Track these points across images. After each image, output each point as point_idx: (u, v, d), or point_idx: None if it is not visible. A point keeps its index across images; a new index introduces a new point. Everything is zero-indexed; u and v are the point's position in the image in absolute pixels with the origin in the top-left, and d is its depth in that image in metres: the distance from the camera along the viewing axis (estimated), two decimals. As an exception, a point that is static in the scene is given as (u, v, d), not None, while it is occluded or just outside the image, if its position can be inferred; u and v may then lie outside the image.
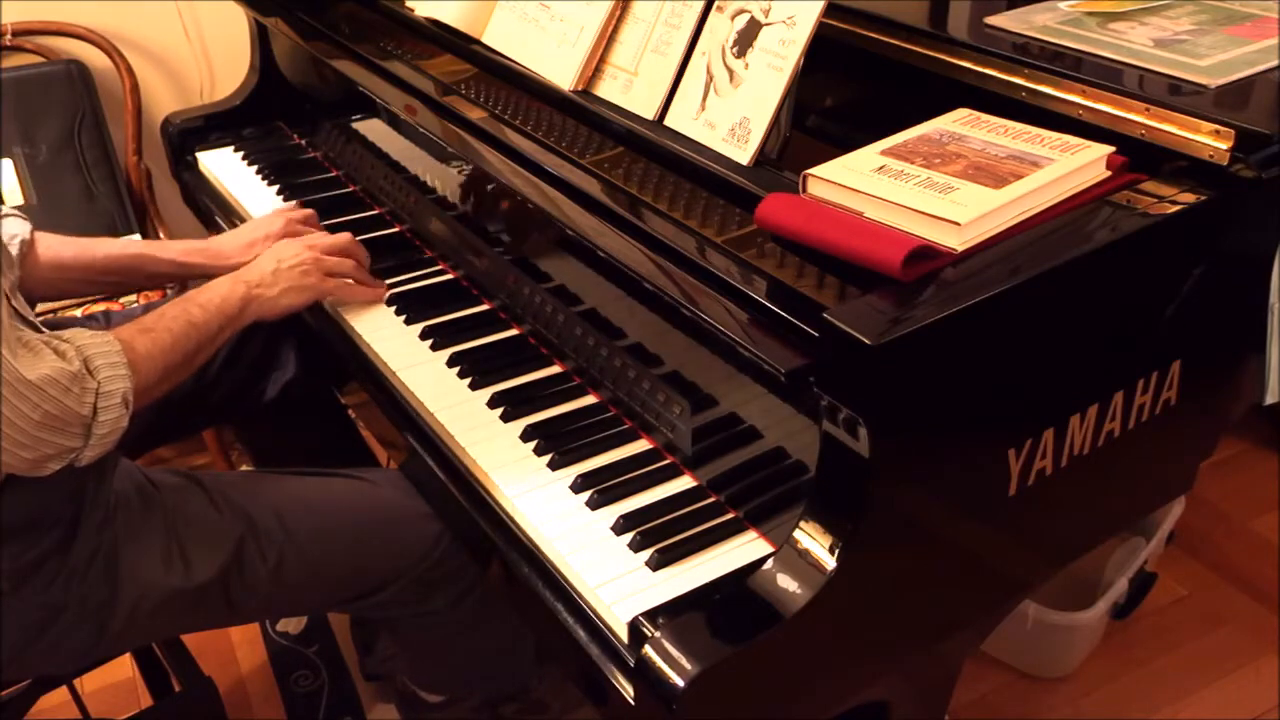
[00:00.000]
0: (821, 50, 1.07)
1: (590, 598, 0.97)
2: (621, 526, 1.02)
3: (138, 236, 2.06)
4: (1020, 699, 1.76)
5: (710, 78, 1.13)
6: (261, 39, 1.89)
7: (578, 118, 1.26)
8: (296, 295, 1.31)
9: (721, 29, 1.13)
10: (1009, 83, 1.13)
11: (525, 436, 1.15)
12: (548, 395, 1.21)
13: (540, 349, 1.29)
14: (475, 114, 1.32)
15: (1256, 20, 1.21)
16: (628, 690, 0.91)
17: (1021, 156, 0.97)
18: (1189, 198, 0.97)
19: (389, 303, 1.38)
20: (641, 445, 1.14)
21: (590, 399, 1.21)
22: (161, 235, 2.13)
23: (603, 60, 1.25)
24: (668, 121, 1.17)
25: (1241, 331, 1.11)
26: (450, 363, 1.27)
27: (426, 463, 1.18)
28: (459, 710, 1.52)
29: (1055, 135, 1.00)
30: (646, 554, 0.99)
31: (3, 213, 1.32)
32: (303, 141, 1.87)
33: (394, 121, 1.51)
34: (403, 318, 1.35)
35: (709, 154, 1.11)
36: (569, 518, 1.05)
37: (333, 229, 1.49)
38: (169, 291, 1.87)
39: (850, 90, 1.35)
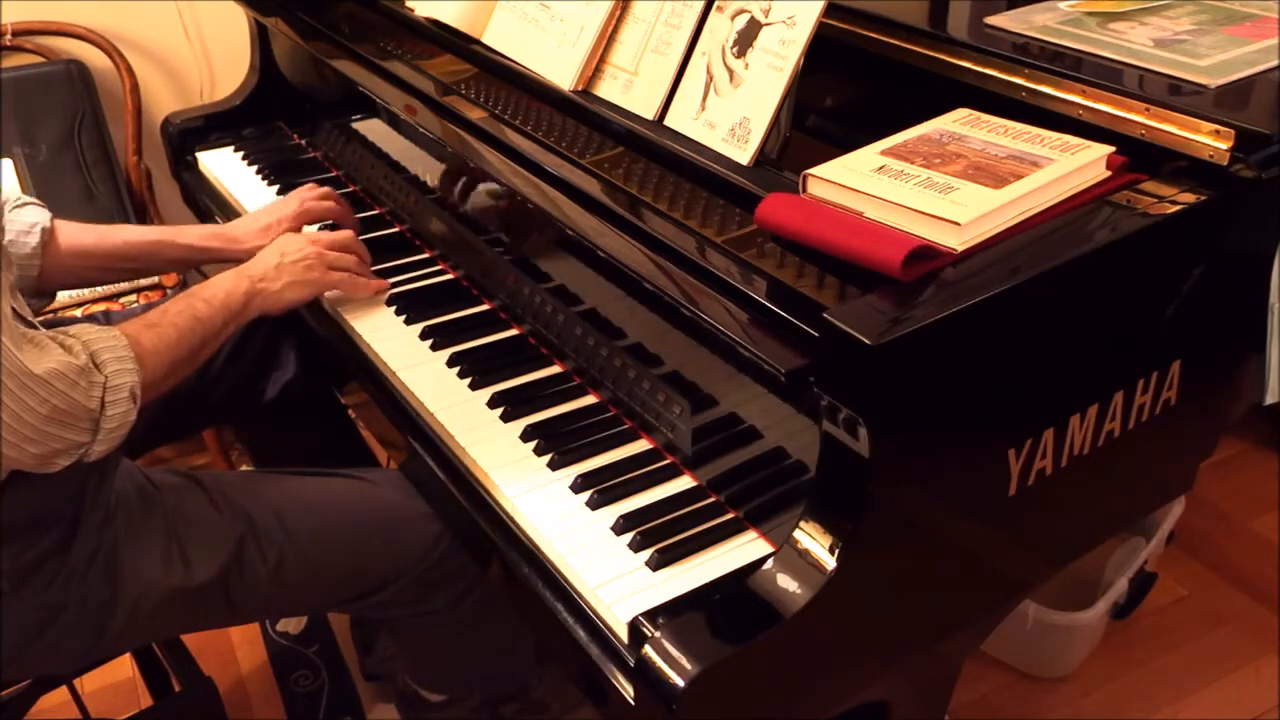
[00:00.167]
0: (821, 50, 1.07)
1: (590, 598, 0.97)
2: (621, 526, 1.02)
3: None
4: (1020, 699, 1.76)
5: (710, 78, 1.13)
6: (261, 39, 1.89)
7: (578, 118, 1.26)
8: (300, 289, 1.31)
9: (721, 29, 1.13)
10: (1009, 83, 1.13)
11: (525, 436, 1.15)
12: (548, 395, 1.21)
13: (540, 349, 1.29)
14: (475, 114, 1.32)
15: (1256, 20, 1.21)
16: (628, 690, 0.91)
17: (1021, 156, 0.97)
18: (1189, 198, 0.97)
19: (389, 302, 1.38)
20: (641, 445, 1.14)
21: (590, 399, 1.21)
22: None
23: (603, 60, 1.25)
24: (668, 121, 1.17)
25: (1241, 331, 1.11)
26: (450, 363, 1.27)
27: (426, 463, 1.18)
28: (459, 710, 1.52)
29: (1055, 135, 1.00)
30: (646, 554, 0.99)
31: (22, 201, 1.31)
32: (303, 141, 1.87)
33: (394, 121, 1.51)
34: (403, 318, 1.35)
35: (709, 154, 1.11)
36: (569, 518, 1.05)
37: (332, 229, 1.49)
38: (169, 292, 1.88)
39: (850, 90, 1.35)
